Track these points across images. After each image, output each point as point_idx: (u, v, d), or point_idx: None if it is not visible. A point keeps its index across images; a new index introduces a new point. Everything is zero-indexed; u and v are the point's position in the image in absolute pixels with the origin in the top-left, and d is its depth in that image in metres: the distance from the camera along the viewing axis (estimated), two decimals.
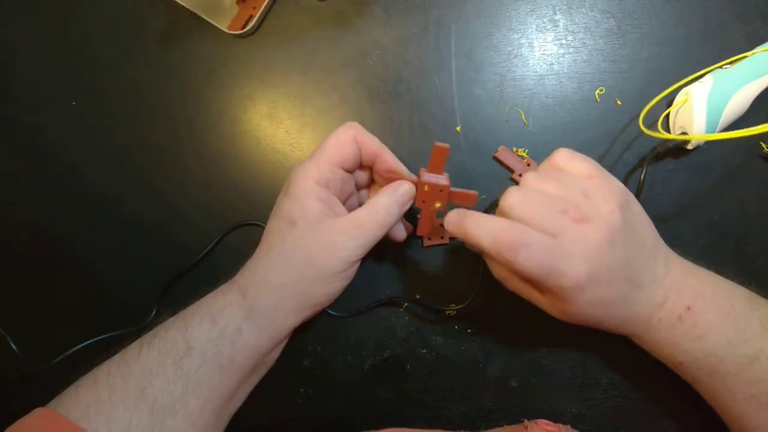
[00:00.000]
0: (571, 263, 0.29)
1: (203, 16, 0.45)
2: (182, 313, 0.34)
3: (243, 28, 0.45)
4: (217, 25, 0.45)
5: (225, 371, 0.33)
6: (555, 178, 0.32)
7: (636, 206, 0.33)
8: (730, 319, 0.31)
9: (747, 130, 0.31)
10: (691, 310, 0.31)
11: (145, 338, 0.33)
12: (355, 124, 0.35)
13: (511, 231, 0.29)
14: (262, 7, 0.45)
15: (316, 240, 0.33)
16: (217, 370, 0.32)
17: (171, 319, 0.34)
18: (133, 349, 0.33)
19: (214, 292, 0.35)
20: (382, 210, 0.33)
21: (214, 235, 0.42)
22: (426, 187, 0.35)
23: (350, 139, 0.34)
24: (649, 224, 0.34)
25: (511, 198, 0.31)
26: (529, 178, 0.33)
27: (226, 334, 0.33)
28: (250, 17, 0.45)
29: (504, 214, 0.32)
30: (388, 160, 0.35)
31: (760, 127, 0.30)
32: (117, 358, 0.33)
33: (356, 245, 0.33)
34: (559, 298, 0.31)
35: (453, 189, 0.35)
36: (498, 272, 0.34)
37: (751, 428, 0.31)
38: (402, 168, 0.35)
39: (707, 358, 0.31)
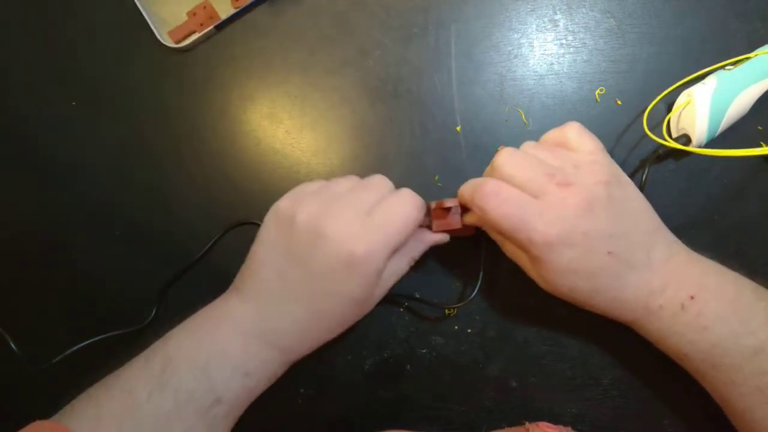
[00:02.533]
0: (541, 219, 0.31)
1: (145, 16, 0.45)
2: (193, 357, 0.32)
3: (181, 41, 0.45)
4: (153, 28, 0.44)
5: (251, 402, 0.35)
6: (552, 148, 0.34)
7: (630, 188, 0.34)
8: (734, 310, 0.31)
9: (755, 150, 0.32)
10: (695, 299, 0.31)
11: (153, 381, 0.31)
12: (419, 202, 0.35)
13: (489, 182, 0.32)
14: (208, 29, 0.44)
15: (372, 300, 0.35)
16: (246, 404, 0.34)
17: (176, 359, 0.32)
18: (138, 392, 0.31)
19: (237, 347, 0.33)
20: (413, 255, 0.36)
21: (213, 235, 0.42)
22: (434, 204, 0.36)
23: (419, 222, 0.35)
24: (648, 209, 0.34)
25: (502, 157, 0.34)
26: (527, 144, 0.35)
27: (262, 382, 0.34)
28: (192, 32, 0.45)
29: (493, 170, 0.34)
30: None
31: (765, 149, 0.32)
32: (118, 396, 0.31)
33: (392, 285, 0.36)
34: (535, 259, 0.32)
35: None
36: (494, 235, 0.36)
37: (754, 422, 0.31)
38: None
39: (711, 350, 0.31)
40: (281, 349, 0.34)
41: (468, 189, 0.34)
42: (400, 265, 0.36)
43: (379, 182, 0.35)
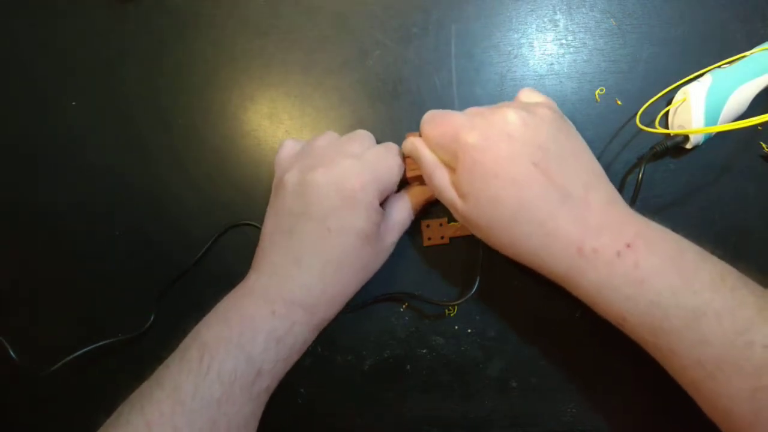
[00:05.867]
0: (470, 123, 0.32)
1: None
2: (228, 337, 0.32)
3: None
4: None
5: (284, 372, 0.35)
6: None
7: (578, 135, 0.34)
8: (676, 267, 0.28)
9: (744, 122, 0.31)
10: (632, 248, 0.29)
11: (195, 372, 0.31)
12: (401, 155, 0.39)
13: (434, 111, 0.36)
14: None
15: (380, 246, 0.37)
16: (281, 377, 0.34)
17: (212, 344, 0.32)
18: (183, 387, 0.30)
19: (264, 315, 0.33)
20: (413, 206, 0.39)
21: (214, 236, 0.42)
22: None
23: (403, 170, 0.38)
24: (592, 157, 0.33)
25: (425, 114, 0.37)
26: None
27: (295, 350, 0.34)
28: None
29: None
30: None
31: (758, 117, 0.30)
32: (163, 398, 0.30)
33: (397, 238, 0.38)
34: (462, 166, 0.32)
35: None
36: (427, 162, 0.36)
37: (701, 400, 0.29)
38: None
39: (650, 309, 0.28)
40: (306, 307, 0.34)
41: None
42: (402, 215, 0.38)
43: (364, 135, 0.38)
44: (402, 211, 0.39)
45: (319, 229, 0.34)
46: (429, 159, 0.35)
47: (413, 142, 0.37)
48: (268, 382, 0.33)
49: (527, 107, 0.33)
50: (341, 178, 0.34)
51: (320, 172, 0.34)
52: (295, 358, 0.35)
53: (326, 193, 0.34)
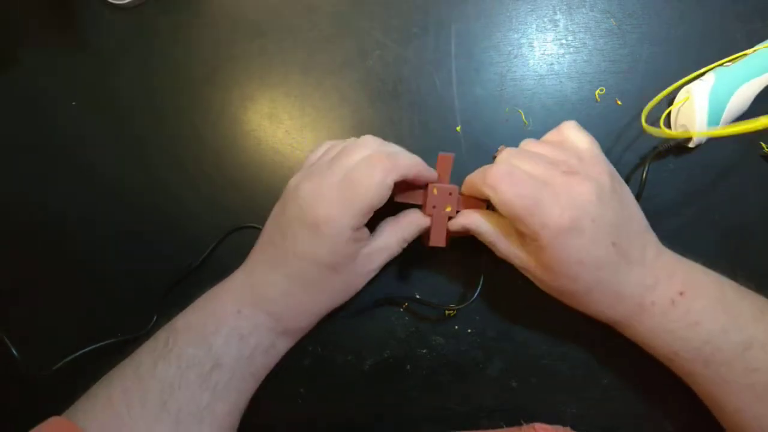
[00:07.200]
0: (556, 203, 0.30)
1: None
2: (194, 326, 0.34)
3: None
4: None
5: (256, 377, 0.35)
6: (552, 144, 0.35)
7: (626, 188, 0.34)
8: (722, 307, 0.31)
9: (747, 123, 0.31)
10: (684, 296, 0.32)
11: (158, 352, 0.33)
12: (390, 165, 0.32)
13: (502, 164, 0.32)
14: None
15: (355, 274, 0.35)
16: (250, 377, 0.35)
17: (181, 329, 0.34)
18: (145, 364, 0.32)
19: (231, 311, 0.34)
20: (406, 236, 0.36)
21: (215, 237, 0.42)
22: (435, 191, 0.35)
23: (389, 185, 0.32)
24: (639, 209, 0.34)
25: (505, 153, 0.34)
26: (527, 141, 0.36)
27: (259, 350, 0.34)
28: None
29: (498, 164, 0.32)
30: (426, 176, 0.35)
31: (761, 119, 0.30)
32: (129, 373, 0.32)
33: (381, 264, 0.36)
34: (543, 248, 0.31)
35: (462, 194, 0.37)
36: (488, 236, 0.34)
37: (745, 422, 0.31)
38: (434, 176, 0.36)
39: (703, 347, 0.31)
40: (272, 315, 0.34)
41: (478, 174, 0.34)
42: (388, 242, 0.36)
43: (362, 144, 0.34)
44: (391, 237, 0.36)
45: (286, 251, 0.33)
46: (491, 234, 0.34)
47: (476, 220, 0.35)
48: (228, 377, 0.33)
49: (587, 170, 0.32)
50: (313, 201, 0.32)
51: (304, 186, 0.33)
52: (260, 360, 0.35)
53: (297, 213, 0.32)
